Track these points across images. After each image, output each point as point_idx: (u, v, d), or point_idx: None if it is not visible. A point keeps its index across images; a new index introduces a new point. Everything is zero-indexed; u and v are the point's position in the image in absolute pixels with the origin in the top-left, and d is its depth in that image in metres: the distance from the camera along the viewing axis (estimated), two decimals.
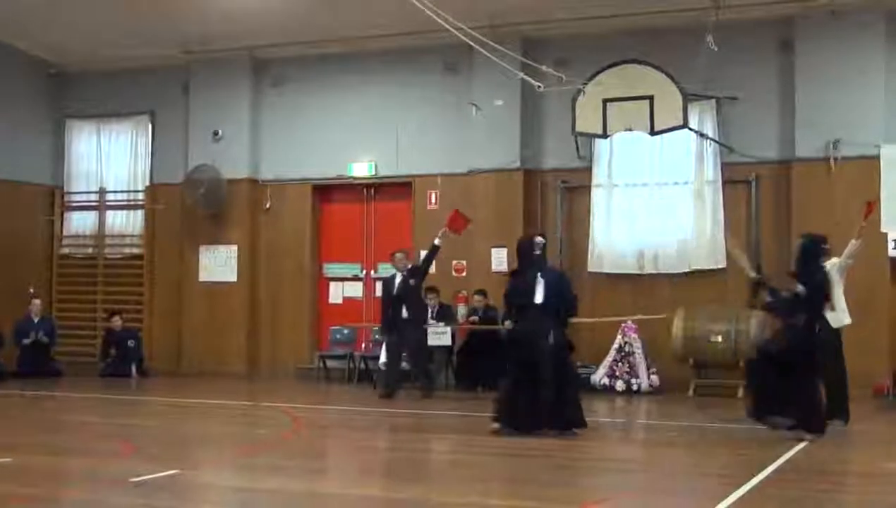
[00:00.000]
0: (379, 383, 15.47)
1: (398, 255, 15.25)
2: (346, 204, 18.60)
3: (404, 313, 14.78)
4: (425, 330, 15.32)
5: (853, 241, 11.84)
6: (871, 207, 12.17)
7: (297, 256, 18.50)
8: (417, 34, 16.48)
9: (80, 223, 20.19)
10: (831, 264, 11.72)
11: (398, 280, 14.99)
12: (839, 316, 11.69)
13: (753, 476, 8.18)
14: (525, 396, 10.64)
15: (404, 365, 15.20)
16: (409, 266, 15.16)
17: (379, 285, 18.23)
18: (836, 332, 11.66)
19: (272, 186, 18.66)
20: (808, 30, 15.68)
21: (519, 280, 11.06)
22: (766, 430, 10.77)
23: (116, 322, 18.52)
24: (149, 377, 18.26)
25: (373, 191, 18.39)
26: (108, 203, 19.91)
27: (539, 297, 10.78)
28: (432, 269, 15.71)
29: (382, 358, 15.49)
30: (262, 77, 18.88)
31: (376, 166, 18.12)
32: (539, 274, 10.90)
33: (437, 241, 14.91)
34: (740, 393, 14.95)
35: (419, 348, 15.04)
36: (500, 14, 16.20)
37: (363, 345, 17.87)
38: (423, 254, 15.47)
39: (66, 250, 20.21)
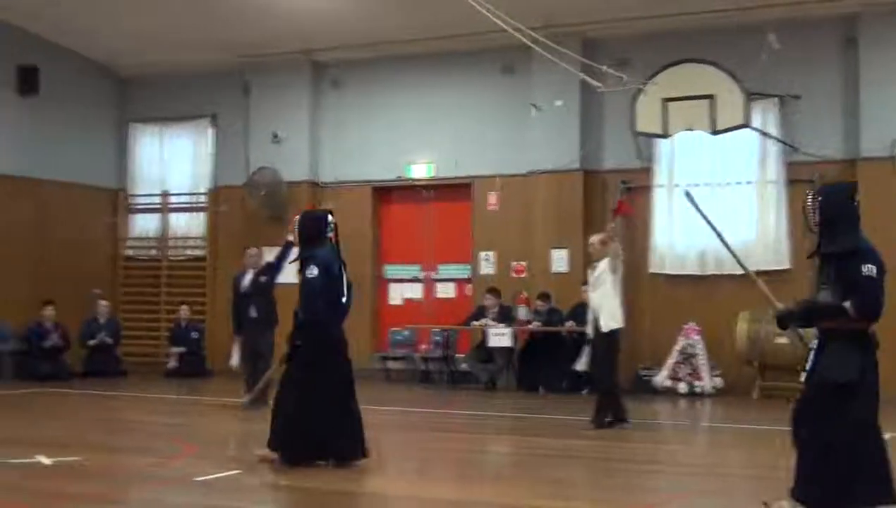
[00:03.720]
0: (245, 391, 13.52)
1: (250, 251, 14.18)
2: (405, 205, 18.64)
3: (253, 312, 13.55)
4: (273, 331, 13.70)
5: (612, 243, 11.48)
6: (622, 207, 11.67)
7: (357, 258, 18.51)
8: (476, 35, 16.46)
9: (143, 225, 20.44)
10: (604, 264, 11.48)
11: (248, 277, 13.81)
12: (607, 320, 11.32)
13: None
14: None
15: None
16: (263, 263, 13.96)
17: (439, 286, 18.38)
18: (606, 336, 11.35)
19: (332, 188, 18.75)
20: (873, 27, 15.43)
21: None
22: None
23: (184, 312, 18.77)
24: (211, 376, 18.44)
25: (432, 192, 18.41)
26: (171, 205, 20.14)
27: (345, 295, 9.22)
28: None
29: (234, 360, 13.92)
30: (322, 79, 18.98)
31: (435, 168, 18.15)
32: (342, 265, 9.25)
33: (290, 237, 12.86)
34: None
35: (266, 351, 13.46)
36: (559, 15, 16.14)
37: (423, 347, 17.91)
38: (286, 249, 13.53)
39: (130, 252, 20.48)
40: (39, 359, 17.56)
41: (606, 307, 11.33)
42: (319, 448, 8.77)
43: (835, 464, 6.34)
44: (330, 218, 9.27)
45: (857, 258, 6.41)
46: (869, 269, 6.36)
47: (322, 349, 8.93)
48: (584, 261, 16.63)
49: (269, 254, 14.15)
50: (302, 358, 8.90)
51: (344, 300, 9.17)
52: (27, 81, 18.40)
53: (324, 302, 8.92)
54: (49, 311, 17.87)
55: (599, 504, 7.65)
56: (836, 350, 6.48)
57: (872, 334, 6.53)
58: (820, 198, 6.60)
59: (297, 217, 9.44)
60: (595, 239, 11.84)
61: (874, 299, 6.41)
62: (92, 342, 18.34)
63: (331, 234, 9.17)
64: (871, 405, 6.46)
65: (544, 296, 16.43)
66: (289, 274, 15.64)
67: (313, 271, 8.88)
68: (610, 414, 11.40)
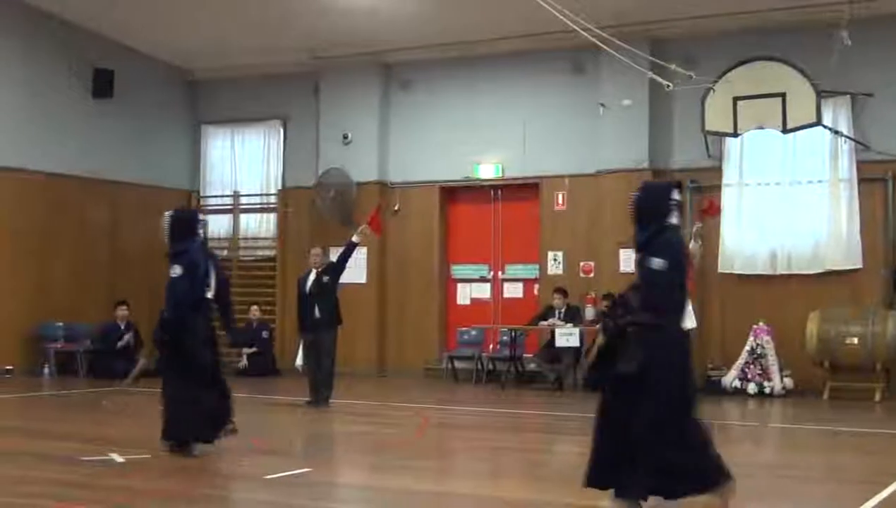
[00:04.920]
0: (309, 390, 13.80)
1: (314, 251, 14.25)
2: (473, 205, 18.67)
3: (317, 313, 13.63)
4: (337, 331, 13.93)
5: (692, 244, 11.23)
6: (713, 206, 11.43)
7: (424, 258, 18.64)
8: (544, 35, 16.48)
9: (215, 226, 20.64)
10: None
11: (312, 277, 13.85)
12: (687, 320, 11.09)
13: (889, 483, 7.95)
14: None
15: None
16: (325, 263, 14.14)
17: (507, 286, 18.39)
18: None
19: (400, 188, 18.85)
20: None
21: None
22: None
23: (255, 312, 18.98)
24: (280, 375, 18.61)
25: (500, 192, 18.42)
26: (241, 206, 20.39)
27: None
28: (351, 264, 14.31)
29: (299, 360, 14.15)
30: (391, 80, 19.08)
31: (503, 167, 18.16)
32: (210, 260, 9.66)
33: (355, 238, 13.77)
34: (877, 396, 14.57)
35: (330, 351, 13.71)
36: (627, 13, 16.06)
37: (490, 346, 17.91)
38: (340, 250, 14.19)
39: None
40: (113, 359, 17.83)
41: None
42: (204, 430, 9.29)
43: (608, 453, 6.58)
44: (201, 216, 9.64)
45: (650, 251, 6.32)
46: (658, 264, 6.24)
47: (184, 342, 9.29)
48: None
49: (336, 255, 14.30)
50: (169, 353, 9.45)
51: (210, 295, 9.55)
52: (102, 84, 18.75)
53: (187, 299, 9.33)
54: (122, 311, 18.16)
55: (669, 505, 7.60)
56: (628, 342, 6.42)
57: (675, 330, 6.38)
58: (636, 193, 6.58)
59: (168, 214, 9.74)
60: None
61: (659, 294, 6.26)
62: None
63: (201, 231, 9.60)
64: (669, 401, 6.35)
65: (608, 297, 16.34)
66: (350, 275, 15.90)
67: (176, 270, 9.38)
68: None
